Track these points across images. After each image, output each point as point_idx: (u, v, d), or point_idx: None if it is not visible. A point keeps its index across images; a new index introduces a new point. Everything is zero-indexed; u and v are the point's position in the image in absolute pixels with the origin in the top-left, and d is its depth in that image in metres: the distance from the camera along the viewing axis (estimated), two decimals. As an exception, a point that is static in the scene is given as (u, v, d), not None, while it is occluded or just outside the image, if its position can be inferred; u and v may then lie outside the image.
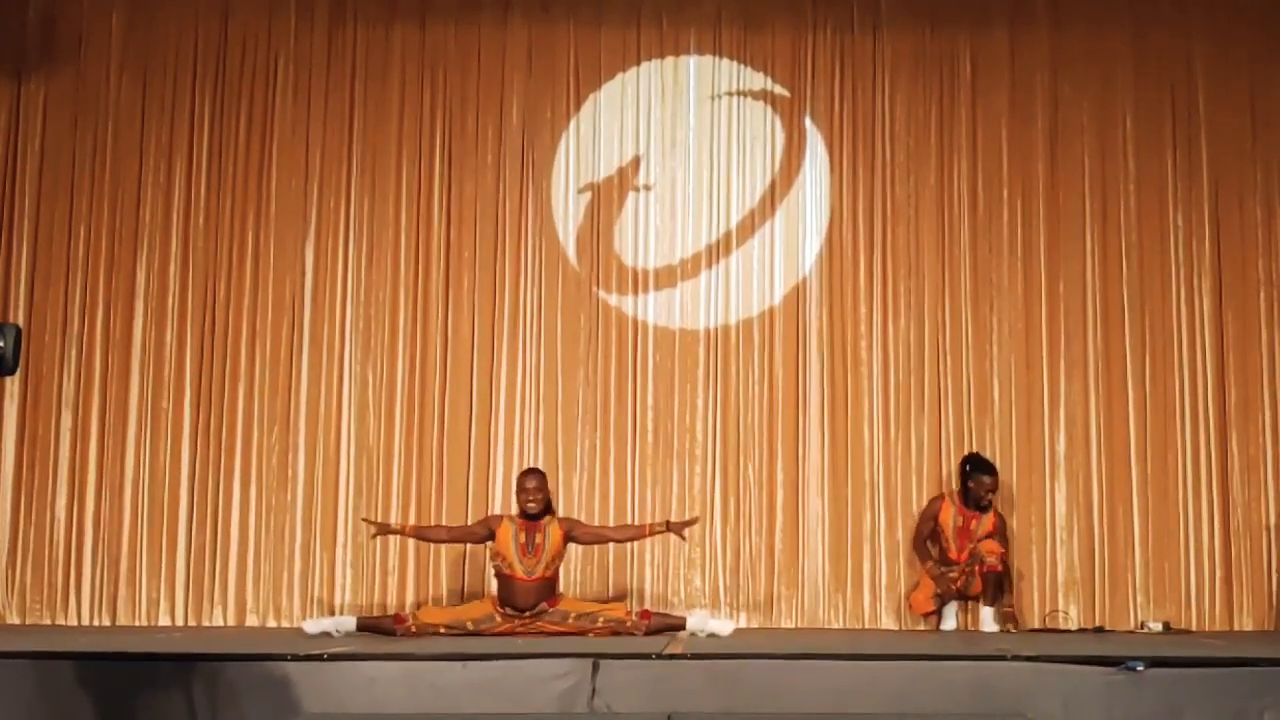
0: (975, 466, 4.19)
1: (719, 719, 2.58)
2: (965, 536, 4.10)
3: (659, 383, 4.51)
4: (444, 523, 4.23)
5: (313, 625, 3.68)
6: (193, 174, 4.58)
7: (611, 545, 4.27)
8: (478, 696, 2.68)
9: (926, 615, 4.18)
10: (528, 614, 3.70)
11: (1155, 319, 4.54)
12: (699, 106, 4.64)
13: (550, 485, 4.21)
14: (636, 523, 4.19)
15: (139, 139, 4.57)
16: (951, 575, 4.07)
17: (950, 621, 4.16)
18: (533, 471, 3.89)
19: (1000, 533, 4.18)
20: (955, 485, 4.23)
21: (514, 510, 3.83)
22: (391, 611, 4.14)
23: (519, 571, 3.73)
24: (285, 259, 4.55)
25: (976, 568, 4.07)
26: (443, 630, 3.66)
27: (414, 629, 3.64)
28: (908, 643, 3.97)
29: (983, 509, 4.14)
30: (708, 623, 3.66)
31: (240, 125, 4.59)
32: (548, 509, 3.82)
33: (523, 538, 3.73)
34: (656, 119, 4.63)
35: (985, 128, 4.61)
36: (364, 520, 4.02)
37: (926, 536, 4.20)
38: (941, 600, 4.14)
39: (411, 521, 4.28)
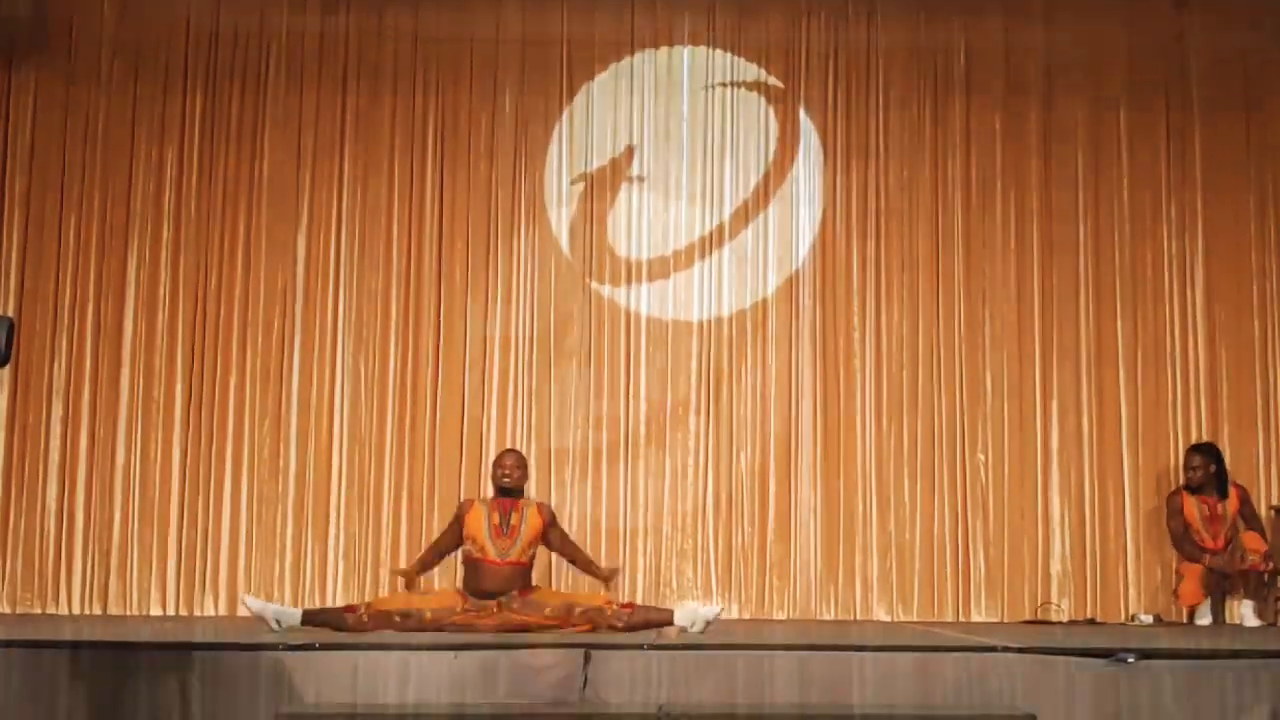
0: (1188, 450, 4.17)
1: (711, 710, 2.59)
2: (1216, 523, 4.08)
3: (651, 374, 4.52)
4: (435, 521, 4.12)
5: (254, 603, 3.30)
6: (184, 163, 4.56)
7: (603, 540, 4.31)
8: (469, 687, 2.67)
9: (1194, 607, 4.10)
10: (493, 600, 3.39)
11: (1147, 313, 4.56)
12: (693, 97, 4.64)
13: (543, 477, 4.27)
14: (599, 559, 3.84)
15: (130, 127, 4.56)
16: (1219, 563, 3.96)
17: (1206, 616, 4.10)
18: (511, 450, 3.68)
19: (1248, 513, 4.11)
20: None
21: (489, 494, 3.59)
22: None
23: (490, 554, 3.43)
24: (277, 249, 4.54)
25: (1238, 560, 4.01)
26: (397, 619, 3.28)
27: (366, 619, 3.28)
28: (899, 634, 4.01)
29: (1194, 489, 4.08)
30: (697, 613, 3.30)
31: (232, 114, 4.57)
32: (522, 491, 3.56)
33: (495, 518, 3.46)
34: (650, 109, 4.63)
35: (979, 120, 4.63)
36: (394, 573, 3.66)
37: (1182, 536, 4.13)
38: (1208, 590, 4.07)
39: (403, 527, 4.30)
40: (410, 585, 3.52)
